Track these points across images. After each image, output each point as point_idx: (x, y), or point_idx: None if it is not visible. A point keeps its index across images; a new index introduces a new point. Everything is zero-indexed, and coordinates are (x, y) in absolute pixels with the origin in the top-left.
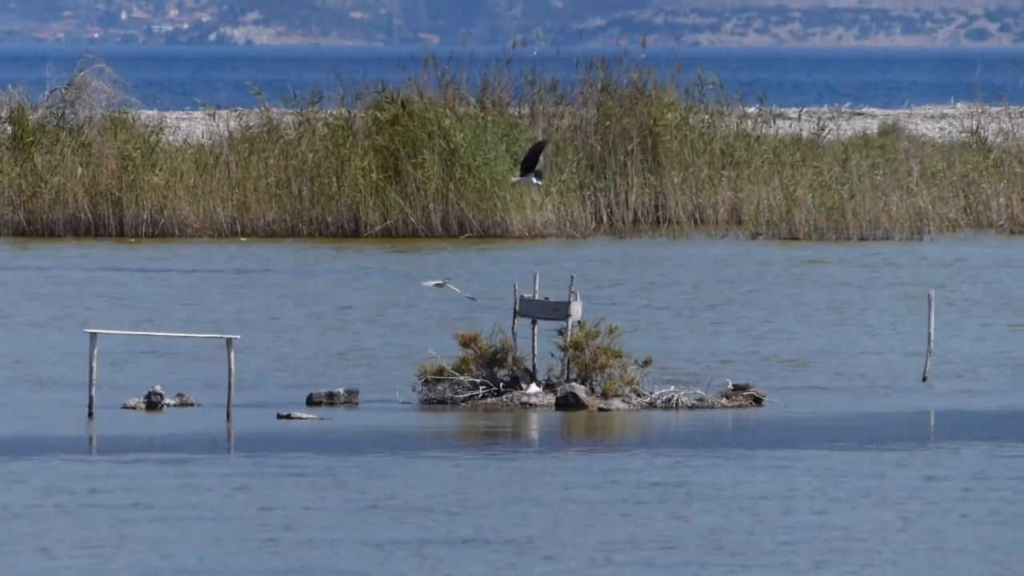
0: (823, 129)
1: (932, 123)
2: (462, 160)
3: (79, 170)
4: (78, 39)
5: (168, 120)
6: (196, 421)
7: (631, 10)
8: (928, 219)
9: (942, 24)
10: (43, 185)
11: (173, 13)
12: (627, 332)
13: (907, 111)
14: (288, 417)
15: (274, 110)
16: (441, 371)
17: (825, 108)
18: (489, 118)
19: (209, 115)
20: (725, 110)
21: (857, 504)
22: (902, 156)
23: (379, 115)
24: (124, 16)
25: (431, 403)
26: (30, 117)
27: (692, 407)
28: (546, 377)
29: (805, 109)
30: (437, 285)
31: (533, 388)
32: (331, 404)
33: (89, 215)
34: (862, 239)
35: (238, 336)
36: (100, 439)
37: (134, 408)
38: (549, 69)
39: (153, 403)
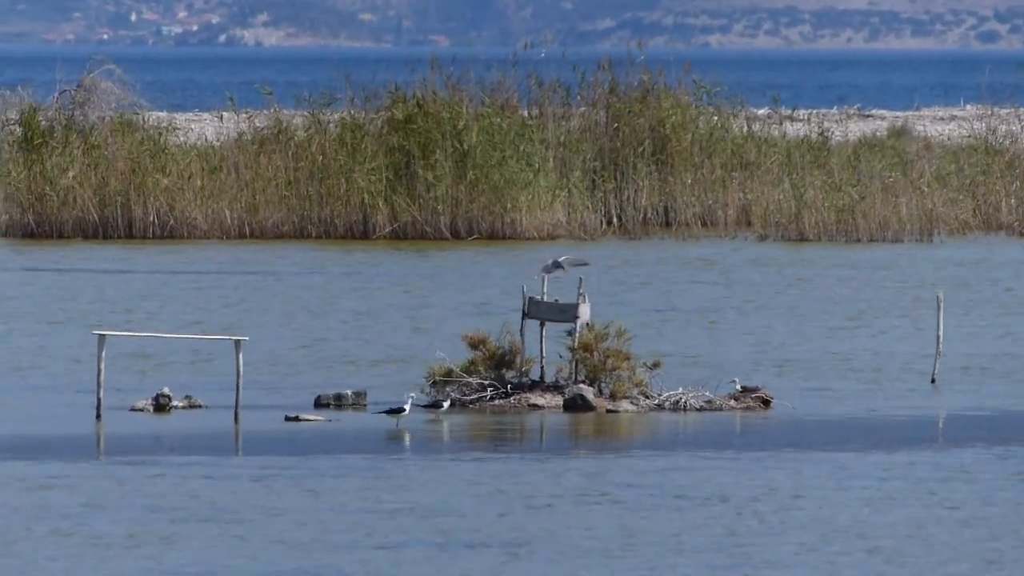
0: (823, 133)
1: (942, 125)
2: (475, 161)
3: (88, 172)
4: (87, 41)
5: (177, 121)
6: (204, 423)
7: (641, 11)
8: (938, 221)
9: (952, 26)
10: (52, 187)
11: (183, 15)
12: (636, 335)
13: (916, 113)
14: (296, 419)
15: (284, 111)
16: (449, 373)
17: (835, 110)
18: (504, 119)
19: (217, 117)
20: (735, 112)
21: (865, 506)
22: (911, 157)
23: (395, 113)
24: (134, 18)
25: (439, 405)
26: (40, 119)
27: (700, 409)
28: (554, 378)
29: (814, 111)
30: (554, 265)
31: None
32: (339, 406)
33: (97, 217)
34: (872, 241)
35: (246, 338)
36: (108, 440)
37: (142, 410)
38: (557, 71)
39: (161, 405)
